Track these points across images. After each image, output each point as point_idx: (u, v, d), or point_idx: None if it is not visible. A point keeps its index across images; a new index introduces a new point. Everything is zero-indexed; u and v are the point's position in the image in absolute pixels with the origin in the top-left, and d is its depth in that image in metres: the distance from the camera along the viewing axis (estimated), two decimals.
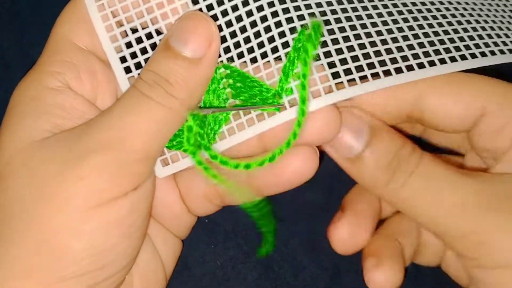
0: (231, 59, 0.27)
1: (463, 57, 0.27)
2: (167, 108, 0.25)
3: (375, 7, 0.27)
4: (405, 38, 0.27)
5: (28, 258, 0.24)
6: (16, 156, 0.25)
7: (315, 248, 0.37)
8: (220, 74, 0.27)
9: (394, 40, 0.27)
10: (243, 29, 0.26)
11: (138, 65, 0.27)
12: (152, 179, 0.27)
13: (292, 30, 0.26)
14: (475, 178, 0.26)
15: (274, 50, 0.26)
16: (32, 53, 0.37)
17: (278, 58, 0.26)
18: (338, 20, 0.26)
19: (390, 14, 0.28)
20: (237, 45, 0.26)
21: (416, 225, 0.31)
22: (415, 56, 0.26)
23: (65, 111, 0.26)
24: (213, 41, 0.25)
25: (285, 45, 0.26)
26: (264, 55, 0.26)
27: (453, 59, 0.27)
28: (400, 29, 0.27)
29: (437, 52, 0.27)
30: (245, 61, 0.27)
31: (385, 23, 0.27)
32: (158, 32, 0.27)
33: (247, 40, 0.26)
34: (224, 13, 0.26)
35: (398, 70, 0.26)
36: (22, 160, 0.25)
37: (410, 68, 0.26)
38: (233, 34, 0.27)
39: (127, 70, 0.27)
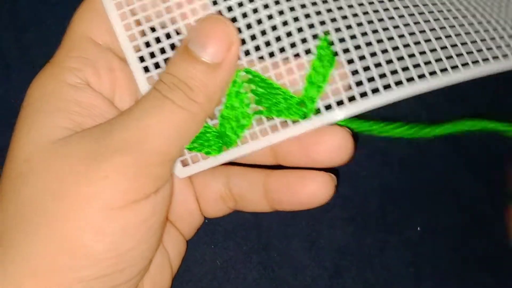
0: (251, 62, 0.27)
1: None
2: (187, 112, 0.25)
3: (396, 8, 0.27)
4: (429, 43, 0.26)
5: (48, 256, 0.23)
6: (36, 153, 0.24)
7: (315, 248, 0.37)
8: (242, 77, 0.26)
9: (417, 44, 0.26)
10: (263, 32, 0.26)
11: (156, 65, 0.27)
12: (171, 182, 0.27)
13: (314, 36, 0.26)
14: None
15: (296, 56, 0.26)
16: (32, 53, 0.37)
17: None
18: (360, 25, 0.26)
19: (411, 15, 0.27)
20: (257, 48, 0.26)
21: None
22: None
23: (84, 109, 0.25)
24: (232, 45, 0.25)
25: (307, 51, 0.26)
26: (286, 61, 0.26)
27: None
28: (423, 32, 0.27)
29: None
30: (266, 66, 0.26)
31: (407, 25, 0.27)
32: (177, 32, 0.27)
33: (267, 43, 0.26)
34: (244, 15, 0.26)
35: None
36: (42, 157, 0.24)
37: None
38: (252, 37, 0.26)
39: (145, 69, 0.27)
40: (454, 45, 0.26)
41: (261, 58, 0.26)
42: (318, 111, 0.26)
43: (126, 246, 0.24)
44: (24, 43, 0.37)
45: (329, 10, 0.26)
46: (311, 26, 0.26)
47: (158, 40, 0.27)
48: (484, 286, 0.38)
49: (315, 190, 0.27)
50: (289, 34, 0.26)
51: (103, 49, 0.27)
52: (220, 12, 0.26)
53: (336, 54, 0.26)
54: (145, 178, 0.24)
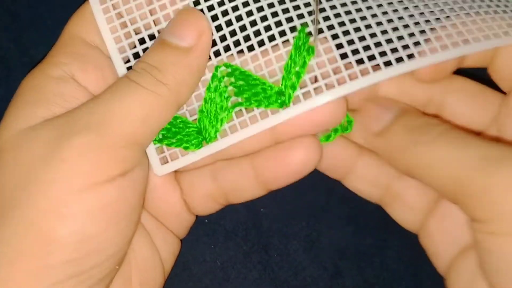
0: (231, 57, 0.27)
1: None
2: (155, 94, 0.25)
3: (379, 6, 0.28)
4: (406, 26, 0.27)
5: (15, 243, 0.23)
6: (8, 142, 0.25)
7: (315, 248, 0.37)
8: (221, 72, 0.27)
9: (395, 29, 0.27)
10: (243, 28, 0.27)
11: None
12: (143, 168, 0.26)
13: (292, 29, 0.27)
14: (500, 143, 0.25)
15: (275, 48, 0.27)
16: (32, 53, 0.37)
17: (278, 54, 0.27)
18: (337, 15, 0.27)
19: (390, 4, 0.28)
20: (237, 43, 0.27)
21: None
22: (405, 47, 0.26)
23: (65, 101, 0.26)
24: (203, 33, 0.26)
25: (286, 42, 0.27)
26: (265, 53, 0.27)
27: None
28: (401, 18, 0.27)
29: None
30: (245, 59, 0.27)
31: (384, 13, 0.27)
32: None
33: (247, 38, 0.27)
34: (225, 13, 0.27)
35: (399, 60, 0.26)
36: (11, 145, 0.25)
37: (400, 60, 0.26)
38: (233, 33, 0.27)
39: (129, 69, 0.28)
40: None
41: (241, 52, 0.27)
42: (297, 99, 0.26)
43: (90, 229, 0.24)
44: (24, 43, 0.37)
45: (306, 5, 0.27)
46: (289, 19, 0.27)
47: (142, 41, 0.28)
48: None
49: (304, 154, 0.27)
50: (267, 28, 0.27)
51: (93, 48, 0.28)
52: (201, 11, 0.27)
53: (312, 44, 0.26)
54: (108, 160, 0.24)
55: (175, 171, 0.29)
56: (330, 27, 0.27)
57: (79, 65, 0.27)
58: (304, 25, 0.26)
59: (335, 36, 0.26)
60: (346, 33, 0.26)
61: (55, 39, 0.28)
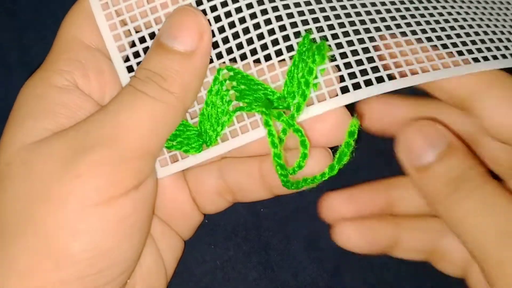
0: (233, 61, 0.27)
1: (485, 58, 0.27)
2: (162, 103, 0.24)
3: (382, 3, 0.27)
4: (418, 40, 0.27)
5: (28, 258, 0.23)
6: (16, 156, 0.24)
7: (315, 248, 0.37)
8: (223, 75, 0.27)
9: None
10: (246, 31, 0.26)
11: None
12: (154, 177, 0.26)
13: (297, 34, 0.26)
14: None
15: (278, 53, 0.26)
16: (32, 53, 0.37)
17: (282, 60, 0.26)
18: (342, 25, 0.26)
19: (398, 10, 0.28)
20: (239, 46, 0.26)
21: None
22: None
23: (71, 111, 0.25)
24: (204, 33, 0.25)
25: (289, 48, 0.26)
26: (267, 58, 0.26)
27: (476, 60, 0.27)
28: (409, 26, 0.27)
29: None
30: (248, 63, 0.27)
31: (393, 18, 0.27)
32: None
33: (250, 41, 0.26)
34: (228, 14, 0.26)
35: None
36: (21, 159, 0.24)
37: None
38: (236, 35, 0.26)
39: (130, 69, 0.27)
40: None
41: (243, 55, 0.26)
42: (299, 106, 0.26)
43: (105, 245, 0.24)
44: (24, 43, 0.37)
45: (311, 11, 0.27)
46: (294, 24, 0.26)
47: (142, 40, 0.27)
48: None
49: (312, 167, 0.27)
50: (271, 32, 0.26)
51: (92, 51, 0.27)
52: (204, 12, 0.26)
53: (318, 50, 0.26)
54: (123, 173, 0.24)
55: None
56: (335, 36, 0.26)
57: (82, 73, 0.26)
58: (309, 31, 0.26)
59: (339, 46, 0.26)
60: (350, 43, 0.26)
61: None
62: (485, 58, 0.27)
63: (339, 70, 0.26)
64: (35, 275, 0.23)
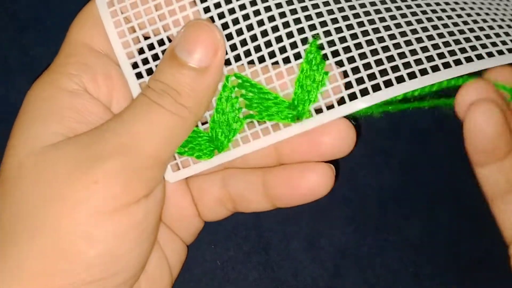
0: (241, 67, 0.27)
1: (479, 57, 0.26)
2: (177, 116, 0.25)
3: (388, 10, 0.27)
4: (419, 40, 0.26)
5: (39, 261, 0.23)
6: (28, 159, 0.24)
7: (315, 248, 0.37)
8: (231, 82, 0.27)
9: (408, 43, 0.26)
10: (253, 38, 0.26)
11: (149, 71, 0.27)
12: (163, 185, 0.27)
13: (304, 40, 0.26)
14: None
15: (286, 60, 0.26)
16: (32, 53, 0.37)
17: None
18: (350, 27, 0.26)
19: (403, 15, 0.27)
20: (247, 53, 0.26)
21: None
22: (429, 59, 0.26)
23: (80, 115, 0.26)
24: (218, 49, 0.25)
25: (297, 55, 0.26)
26: (276, 66, 0.26)
27: (468, 59, 0.26)
28: (414, 31, 0.27)
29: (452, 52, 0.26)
30: (256, 70, 0.27)
31: (398, 25, 0.27)
32: (170, 40, 0.27)
33: (257, 48, 0.26)
34: (235, 21, 0.26)
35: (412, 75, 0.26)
36: (33, 162, 0.24)
37: (423, 72, 0.26)
38: (243, 43, 0.26)
39: (139, 75, 0.27)
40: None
41: (251, 62, 0.26)
42: (309, 113, 0.26)
43: (119, 251, 0.24)
44: (24, 43, 0.37)
45: (319, 15, 0.26)
46: (301, 30, 0.26)
47: (151, 47, 0.27)
48: (484, 286, 0.38)
49: (315, 181, 0.27)
50: (279, 39, 0.26)
51: (101, 56, 0.27)
52: (212, 18, 0.26)
53: (326, 57, 0.26)
54: (136, 182, 0.24)
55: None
56: (342, 39, 0.26)
57: (90, 77, 0.26)
58: (316, 36, 0.26)
59: (346, 49, 0.26)
60: (358, 45, 0.26)
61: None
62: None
63: (346, 75, 0.26)
64: (47, 278, 0.23)
